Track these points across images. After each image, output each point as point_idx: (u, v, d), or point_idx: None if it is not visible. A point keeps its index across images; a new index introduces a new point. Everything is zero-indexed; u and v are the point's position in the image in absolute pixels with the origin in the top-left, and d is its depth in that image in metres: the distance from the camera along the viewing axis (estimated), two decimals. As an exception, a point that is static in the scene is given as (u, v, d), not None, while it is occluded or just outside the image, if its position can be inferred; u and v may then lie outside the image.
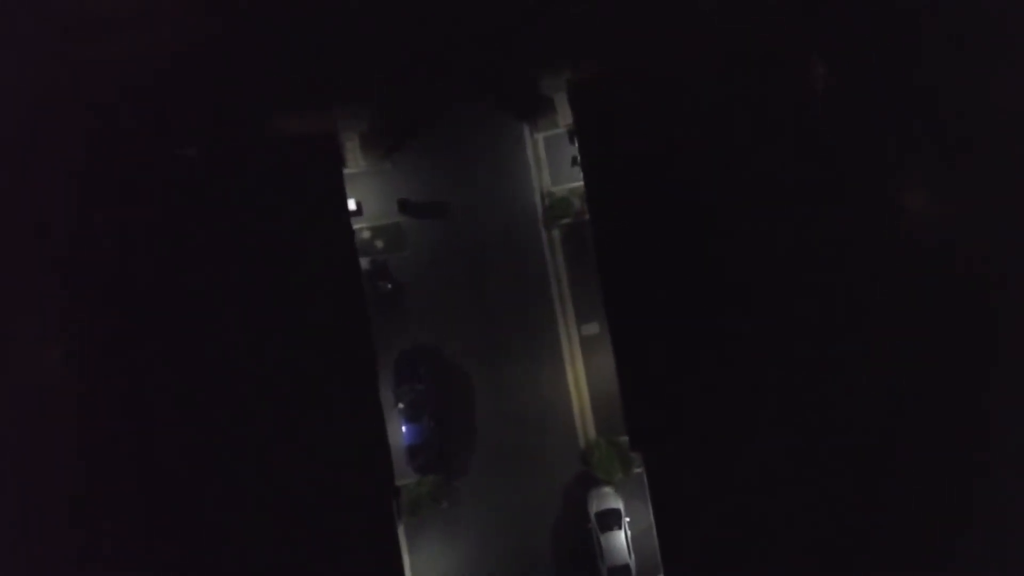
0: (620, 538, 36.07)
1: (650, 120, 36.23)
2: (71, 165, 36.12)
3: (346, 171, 41.16)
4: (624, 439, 36.14)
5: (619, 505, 36.56)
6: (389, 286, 40.33)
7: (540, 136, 41.05)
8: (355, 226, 40.85)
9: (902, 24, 35.50)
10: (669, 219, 35.33)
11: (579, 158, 39.52)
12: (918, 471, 32.15)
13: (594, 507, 36.61)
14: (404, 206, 40.90)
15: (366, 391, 36.10)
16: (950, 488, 31.96)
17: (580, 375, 39.06)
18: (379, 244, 41.21)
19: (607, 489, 37.16)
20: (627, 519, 36.66)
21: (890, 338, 32.95)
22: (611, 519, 36.21)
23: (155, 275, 35.85)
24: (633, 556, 36.52)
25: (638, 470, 36.49)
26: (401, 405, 39.00)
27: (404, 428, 38.78)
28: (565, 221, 40.22)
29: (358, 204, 41.15)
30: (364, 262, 40.64)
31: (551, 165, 40.93)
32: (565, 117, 40.64)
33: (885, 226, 34.11)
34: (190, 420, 35.01)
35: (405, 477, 38.95)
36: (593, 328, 39.17)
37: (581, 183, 39.79)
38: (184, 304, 35.95)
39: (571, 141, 40.44)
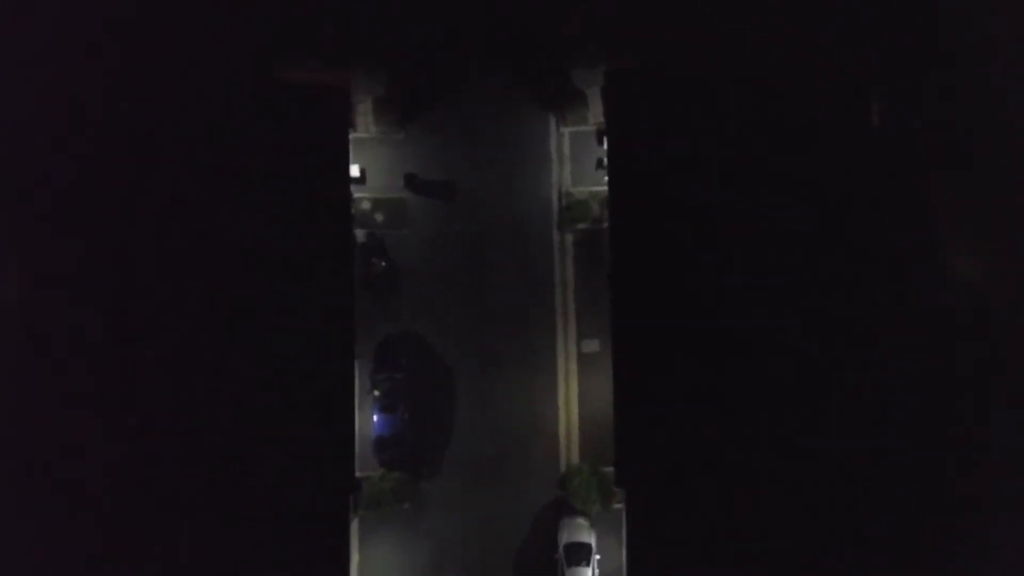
0: (587, 575, 33.52)
1: (690, 128, 33.43)
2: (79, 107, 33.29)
3: (355, 135, 38.16)
4: (609, 470, 33.44)
5: (591, 540, 33.91)
6: (383, 264, 37.36)
7: (567, 131, 38.12)
8: (356, 194, 37.94)
9: (955, 65, 33.24)
10: (697, 238, 32.60)
11: (606, 160, 36.84)
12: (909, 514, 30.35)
13: (564, 537, 33.93)
14: (411, 181, 37.89)
15: (339, 371, 33.35)
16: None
17: (572, 394, 36.30)
18: (379, 217, 38.22)
19: (581, 520, 34.48)
20: (597, 556, 33.99)
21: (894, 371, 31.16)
22: (580, 553, 33.54)
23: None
24: (598, 597, 34.06)
25: (618, 506, 33.85)
26: (376, 393, 36.13)
27: (376, 417, 35.94)
28: (581, 226, 37.38)
29: (362, 171, 38.12)
30: (360, 234, 37.65)
31: (574, 164, 38.02)
32: (596, 115, 37.72)
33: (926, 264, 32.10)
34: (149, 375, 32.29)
35: (370, 469, 36.20)
36: (594, 345, 36.38)
37: (604, 188, 36.92)
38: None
39: (599, 141, 37.55)
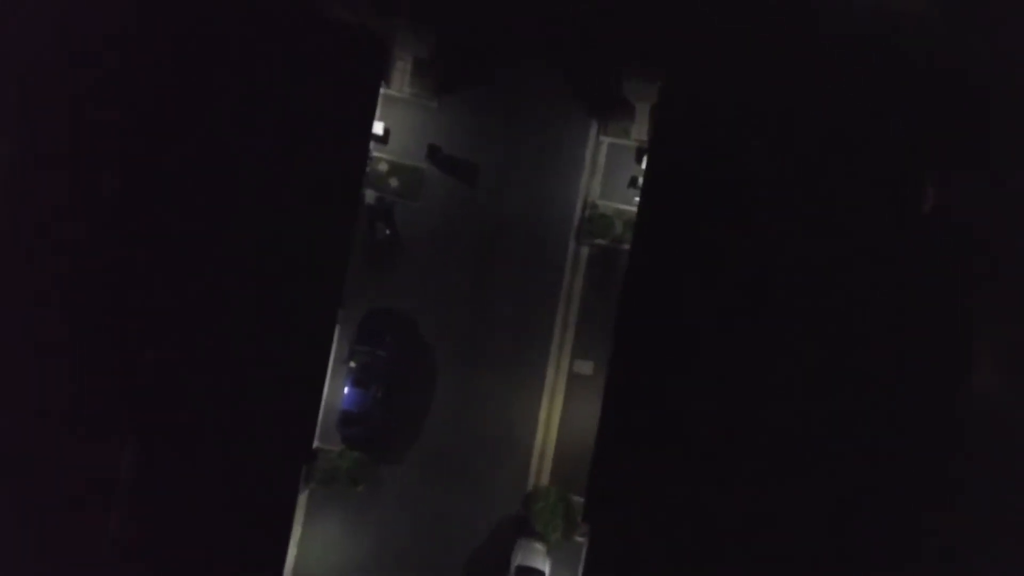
0: (532, 603, 32.16)
1: (738, 166, 32.06)
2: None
3: (387, 91, 35.88)
4: (578, 500, 32.16)
5: (545, 568, 32.46)
6: (387, 231, 35.18)
7: (606, 141, 36.45)
8: (374, 152, 35.72)
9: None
10: (717, 280, 31.34)
11: (640, 180, 35.33)
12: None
13: (517, 559, 32.42)
14: (434, 153, 35.74)
15: (318, 331, 31.36)
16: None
17: (555, 412, 34.76)
18: (393, 183, 35.98)
19: (538, 545, 33.01)
20: (548, 585, 32.83)
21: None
22: (531, 579, 32.24)
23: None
24: (541, 629, 32.68)
25: (580, 539, 32.55)
26: (352, 364, 34.05)
27: (346, 389, 33.84)
28: (599, 241, 35.81)
29: (386, 131, 35.85)
30: (369, 195, 35.40)
31: (606, 176, 36.37)
32: (640, 131, 36.15)
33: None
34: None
35: (331, 442, 34.17)
36: (587, 367, 34.94)
37: (632, 208, 35.56)
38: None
39: (637, 159, 36.08)
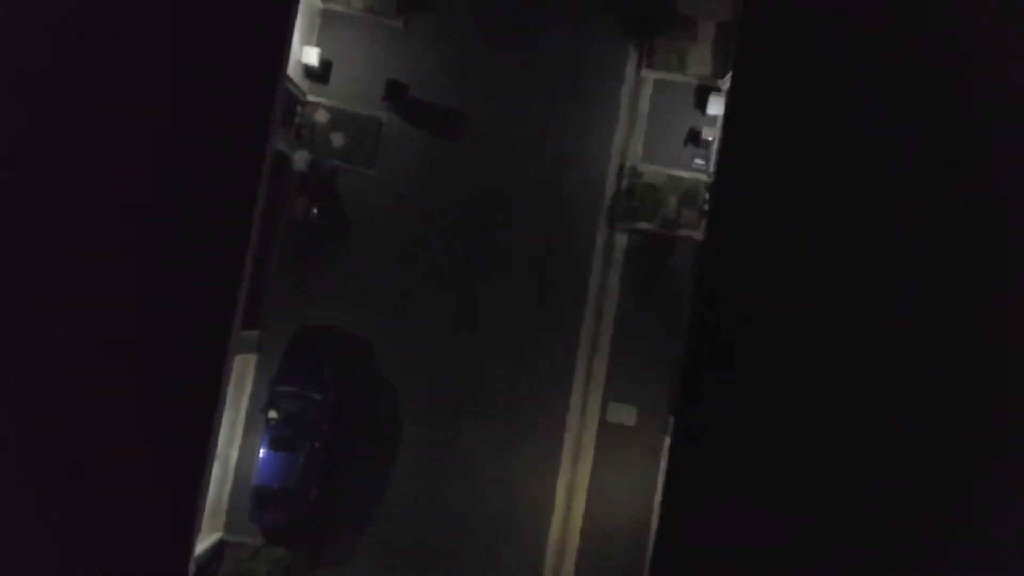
0: None
1: (862, 99, 20.70)
2: None
3: (328, 5, 24.24)
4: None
5: None
6: (315, 211, 23.51)
7: (650, 77, 24.81)
8: (308, 96, 24.13)
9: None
10: (846, 277, 19.98)
11: (706, 134, 23.90)
12: None
13: None
14: (396, 95, 23.97)
15: (202, 369, 19.03)
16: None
17: (581, 479, 23.04)
18: (336, 141, 24.31)
19: None
20: None
21: None
22: None
23: None
24: None
25: None
26: (271, 415, 22.51)
27: (261, 454, 22.33)
28: (642, 225, 24.21)
29: (324, 63, 24.19)
30: (299, 158, 23.69)
31: (651, 128, 24.68)
32: (701, 62, 24.61)
33: None
34: None
35: (243, 533, 22.72)
36: (627, 414, 23.29)
37: (692, 174, 24.14)
38: None
39: (698, 104, 24.54)
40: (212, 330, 18.66)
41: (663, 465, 23.32)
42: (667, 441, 23.03)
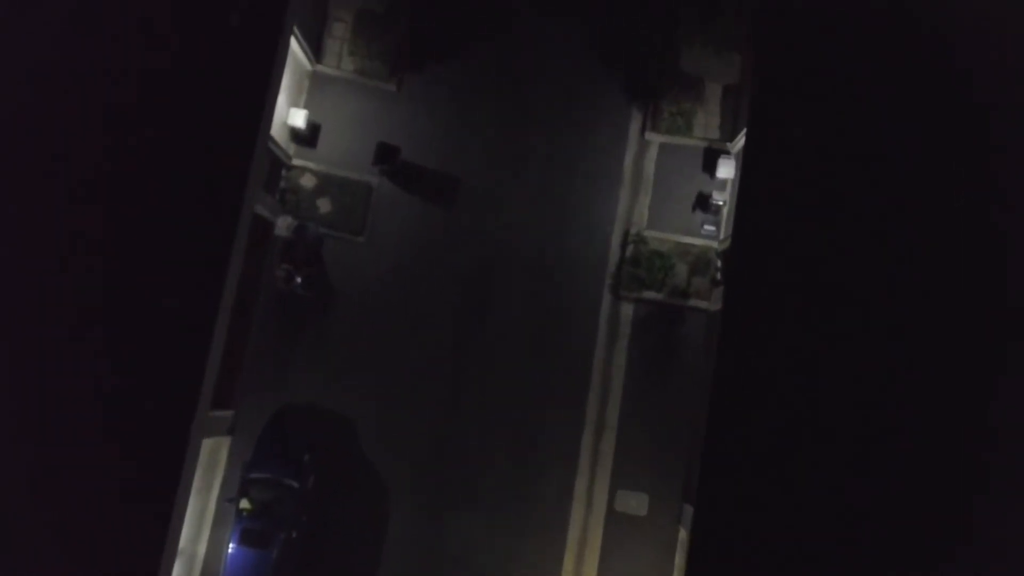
0: None
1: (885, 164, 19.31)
2: None
3: (319, 68, 23.22)
4: None
5: None
6: (298, 280, 21.82)
7: (656, 139, 23.60)
8: (295, 160, 22.85)
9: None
10: (880, 352, 18.14)
11: (716, 198, 22.53)
12: None
13: None
14: (385, 157, 22.58)
15: (160, 461, 16.86)
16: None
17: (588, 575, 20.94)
18: (323, 206, 22.85)
19: None
20: None
21: None
22: None
23: None
24: None
25: None
26: (243, 506, 20.28)
27: (231, 550, 20.01)
28: (650, 295, 22.58)
29: (313, 126, 22.95)
30: (282, 223, 22.16)
31: (657, 193, 23.28)
32: (708, 124, 23.44)
33: None
34: None
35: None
36: (638, 503, 21.03)
37: (702, 241, 22.62)
38: None
39: (705, 167, 23.22)
40: (175, 409, 16.69)
41: (677, 560, 21.04)
42: (681, 533, 20.86)
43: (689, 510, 20.14)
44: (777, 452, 17.83)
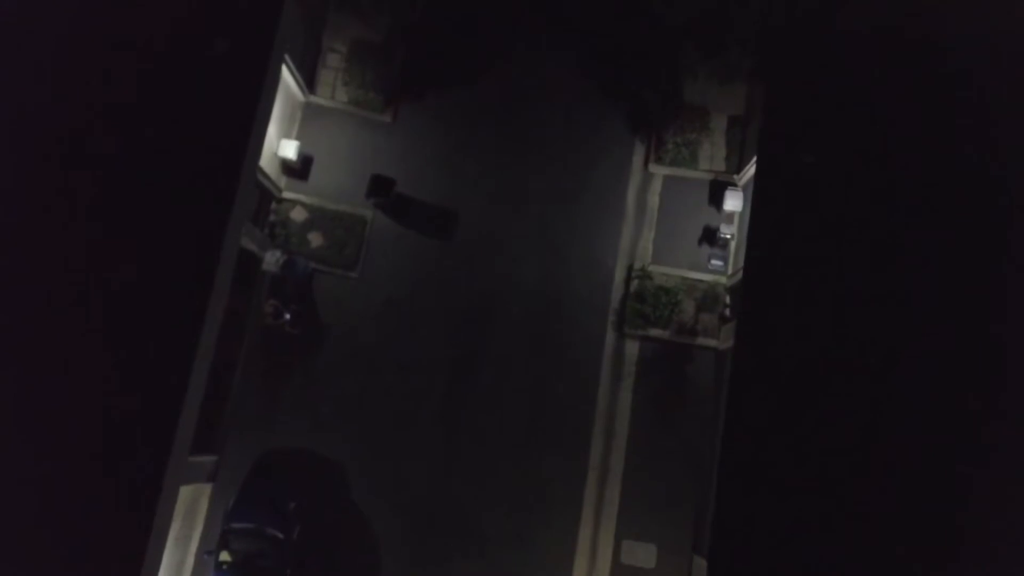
0: None
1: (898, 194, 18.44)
2: None
3: (313, 99, 22.52)
4: None
5: None
6: (287, 317, 20.82)
7: (660, 171, 22.81)
8: (285, 193, 22.02)
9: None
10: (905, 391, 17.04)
11: (723, 231, 21.63)
12: None
13: None
14: (380, 190, 21.75)
15: (139, 500, 15.52)
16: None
17: (594, 641, 19.55)
18: (314, 240, 21.95)
19: None
20: None
21: None
22: None
23: None
24: None
25: None
26: (223, 559, 19.00)
27: (210, 607, 18.73)
28: (654, 332, 21.58)
29: (304, 158, 22.17)
30: (271, 257, 21.24)
31: (662, 227, 22.38)
32: (714, 157, 22.67)
33: None
34: None
35: None
36: (645, 555, 19.75)
37: (709, 276, 21.68)
38: None
39: (711, 199, 22.38)
40: (148, 454, 15.59)
41: (688, 617, 19.68)
42: (693, 587, 19.55)
43: (701, 563, 18.88)
44: (795, 499, 16.69)
